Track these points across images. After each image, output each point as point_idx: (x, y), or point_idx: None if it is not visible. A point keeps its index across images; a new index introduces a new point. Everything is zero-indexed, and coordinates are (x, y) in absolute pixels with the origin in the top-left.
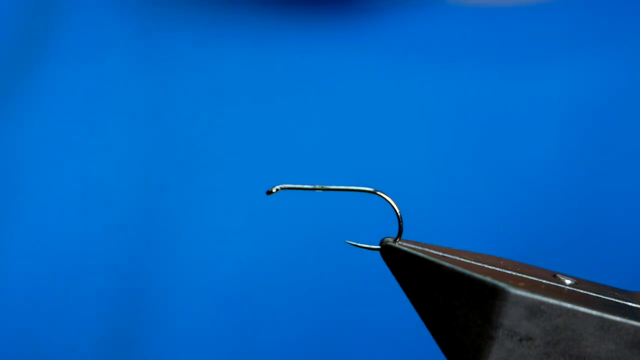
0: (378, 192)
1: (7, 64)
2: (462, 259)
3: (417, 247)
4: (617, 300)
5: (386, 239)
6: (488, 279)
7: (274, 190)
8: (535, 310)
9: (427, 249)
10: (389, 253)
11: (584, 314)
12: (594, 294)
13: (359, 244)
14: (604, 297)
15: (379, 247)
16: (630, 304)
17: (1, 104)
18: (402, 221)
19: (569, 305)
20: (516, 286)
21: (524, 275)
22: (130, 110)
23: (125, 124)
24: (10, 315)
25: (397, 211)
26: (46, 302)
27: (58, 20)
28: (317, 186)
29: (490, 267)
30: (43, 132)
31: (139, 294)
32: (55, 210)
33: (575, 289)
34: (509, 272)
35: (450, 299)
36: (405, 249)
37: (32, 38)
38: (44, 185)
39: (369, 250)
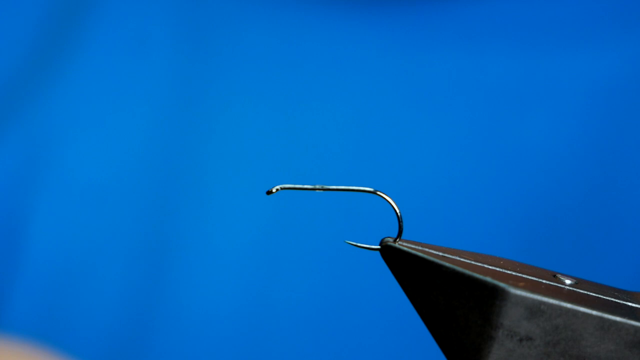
0: (378, 192)
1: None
2: (462, 259)
3: (417, 247)
4: (617, 300)
5: (386, 239)
6: (488, 279)
7: (274, 190)
8: (535, 310)
9: (427, 249)
10: (388, 253)
11: (584, 314)
12: (594, 294)
13: (358, 244)
14: (604, 297)
15: (378, 247)
16: (630, 304)
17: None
18: (402, 221)
19: (569, 305)
20: (516, 286)
21: (524, 275)
22: (143, 108)
23: (139, 123)
24: (27, 299)
25: (397, 211)
26: (62, 291)
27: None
28: (317, 186)
29: (490, 267)
30: (66, 121)
31: (145, 290)
32: (70, 204)
33: (575, 289)
34: (509, 272)
35: (450, 299)
36: (405, 249)
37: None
38: (63, 177)
39: (369, 250)
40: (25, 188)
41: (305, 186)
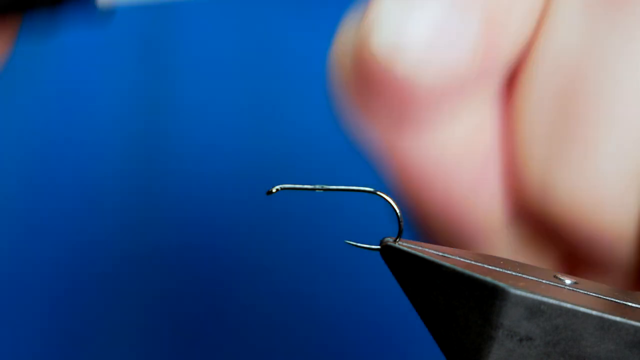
0: (378, 192)
1: None
2: (462, 259)
3: (417, 247)
4: (617, 300)
5: (386, 239)
6: (488, 279)
7: (273, 190)
8: (535, 310)
9: (427, 249)
10: (388, 253)
11: (584, 314)
12: (594, 294)
13: (358, 244)
14: (604, 297)
15: (378, 247)
16: (630, 304)
17: None
18: (402, 221)
19: (569, 305)
20: (516, 286)
21: (524, 275)
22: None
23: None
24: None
25: (397, 211)
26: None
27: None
28: (317, 186)
29: (490, 267)
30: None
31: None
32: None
33: (575, 289)
34: (509, 272)
35: (450, 299)
36: (405, 249)
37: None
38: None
39: (369, 250)
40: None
41: (305, 186)
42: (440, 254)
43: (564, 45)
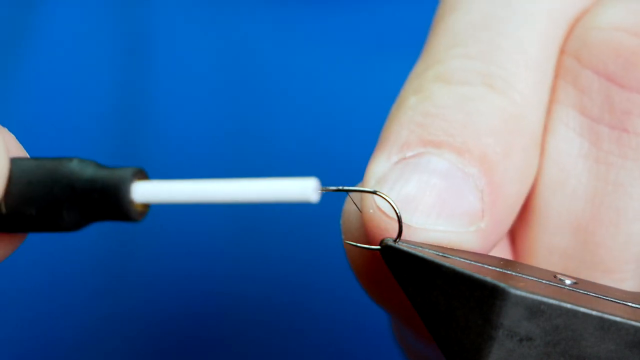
0: (378, 193)
1: None
2: (462, 259)
3: (417, 247)
4: (617, 301)
5: (386, 239)
6: (488, 279)
7: None
8: (535, 311)
9: (427, 249)
10: (388, 253)
11: (583, 314)
12: (593, 294)
13: (359, 244)
14: (604, 298)
15: (378, 247)
16: (630, 304)
17: None
18: (402, 221)
19: (568, 306)
20: (516, 286)
21: (524, 276)
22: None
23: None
24: None
25: (397, 212)
26: None
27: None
28: (323, 188)
29: (490, 267)
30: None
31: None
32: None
33: (575, 289)
34: (509, 272)
35: (450, 299)
36: (405, 249)
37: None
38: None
39: (369, 251)
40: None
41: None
42: (440, 254)
43: (573, 176)
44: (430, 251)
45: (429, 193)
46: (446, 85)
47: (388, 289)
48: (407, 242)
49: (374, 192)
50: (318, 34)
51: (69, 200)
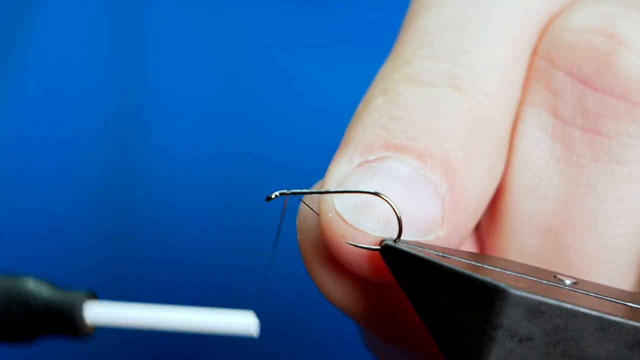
0: (379, 194)
1: None
2: (462, 259)
3: (416, 247)
4: (617, 301)
5: (386, 240)
6: (488, 279)
7: (273, 196)
8: (535, 311)
9: (426, 249)
10: (388, 253)
11: (583, 314)
12: (593, 294)
13: (359, 245)
14: (604, 298)
15: (379, 247)
16: (630, 304)
17: None
18: (402, 222)
19: (568, 306)
20: (516, 286)
21: (523, 276)
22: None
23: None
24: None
25: (397, 212)
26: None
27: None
28: (318, 189)
29: (490, 267)
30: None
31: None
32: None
33: (575, 289)
34: (508, 272)
35: (450, 300)
36: (405, 249)
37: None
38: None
39: (369, 251)
40: None
41: (305, 190)
42: (440, 254)
43: (544, 179)
44: (430, 251)
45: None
46: (413, 86)
47: (349, 294)
48: (407, 242)
49: (375, 194)
50: (317, 36)
51: (24, 319)
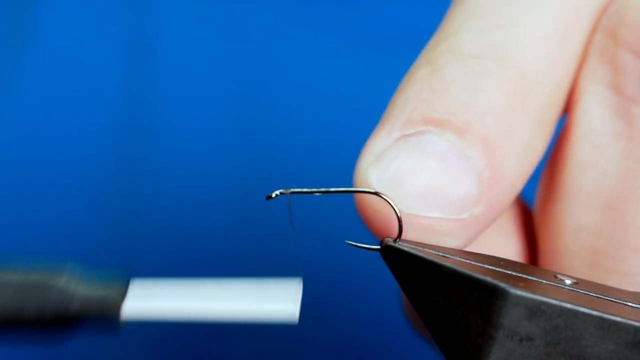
0: (379, 193)
1: None
2: (462, 259)
3: (417, 247)
4: (617, 300)
5: (386, 239)
6: (488, 279)
7: (273, 195)
8: (535, 311)
9: (427, 249)
10: (389, 253)
11: (584, 314)
12: (594, 294)
13: (359, 244)
14: (604, 297)
15: (379, 247)
16: (630, 304)
17: None
18: (402, 221)
19: (569, 306)
20: (516, 286)
21: (524, 275)
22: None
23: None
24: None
25: (397, 211)
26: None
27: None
28: (323, 189)
29: (490, 267)
30: None
31: None
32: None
33: (575, 289)
34: (509, 272)
35: (450, 299)
36: (405, 249)
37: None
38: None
39: (369, 251)
40: None
41: (305, 190)
42: (441, 254)
43: (605, 155)
44: (430, 251)
45: (424, 176)
46: (456, 58)
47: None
48: (407, 242)
49: (375, 193)
50: (327, 31)
51: (58, 319)
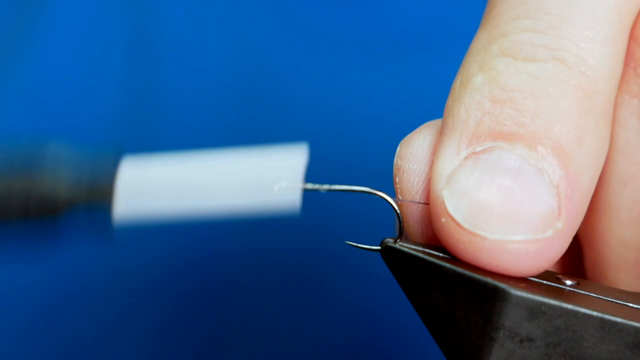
0: (378, 193)
1: None
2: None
3: (417, 247)
4: (618, 301)
5: (386, 240)
6: (489, 279)
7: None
8: (536, 311)
9: (427, 250)
10: (389, 254)
11: (584, 314)
12: (594, 295)
13: (359, 245)
14: (605, 298)
15: (379, 247)
16: (631, 304)
17: None
18: (402, 221)
19: (569, 306)
20: (517, 287)
21: (524, 276)
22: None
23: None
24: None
25: (397, 211)
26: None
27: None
28: (317, 186)
29: None
30: None
31: None
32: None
33: (576, 290)
34: None
35: (450, 300)
36: (406, 249)
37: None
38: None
39: (369, 251)
40: None
41: (309, 186)
42: (441, 254)
43: None
44: (430, 252)
45: (502, 197)
46: (513, 62)
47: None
48: (408, 242)
49: (375, 193)
50: (330, 29)
51: (47, 213)
